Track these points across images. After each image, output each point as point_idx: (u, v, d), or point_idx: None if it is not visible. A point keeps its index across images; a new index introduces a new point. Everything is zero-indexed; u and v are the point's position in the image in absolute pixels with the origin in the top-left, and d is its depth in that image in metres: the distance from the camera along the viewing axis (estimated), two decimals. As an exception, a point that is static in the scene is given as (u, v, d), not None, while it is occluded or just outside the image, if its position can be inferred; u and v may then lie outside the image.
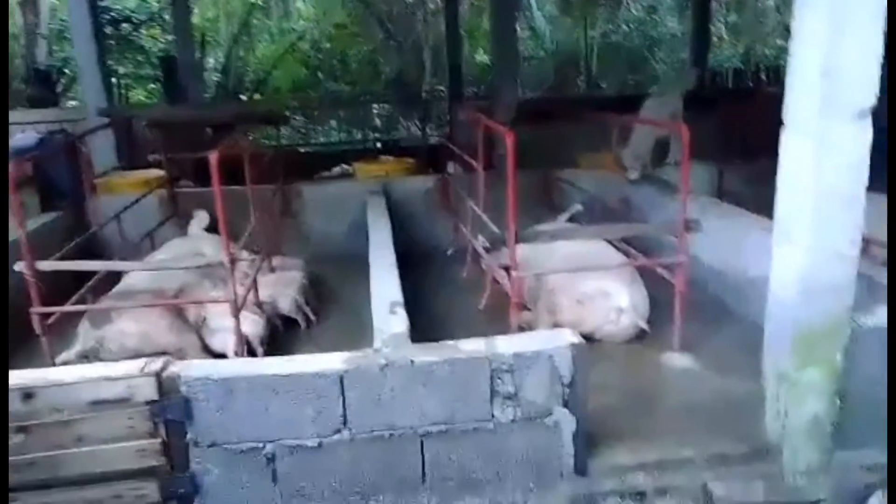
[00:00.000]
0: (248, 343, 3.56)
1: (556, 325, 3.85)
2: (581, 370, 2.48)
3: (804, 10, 2.27)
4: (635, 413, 3.10)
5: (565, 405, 2.50)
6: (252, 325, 3.65)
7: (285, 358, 2.58)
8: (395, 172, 6.10)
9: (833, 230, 2.37)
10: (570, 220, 5.07)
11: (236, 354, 3.39)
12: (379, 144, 11.08)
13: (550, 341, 2.47)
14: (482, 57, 13.92)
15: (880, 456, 2.53)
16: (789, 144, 2.43)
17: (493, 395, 2.46)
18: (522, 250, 4.54)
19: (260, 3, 15.02)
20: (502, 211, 5.31)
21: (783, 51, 14.76)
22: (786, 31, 14.75)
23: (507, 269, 4.78)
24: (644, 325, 3.69)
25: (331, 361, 2.43)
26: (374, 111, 13.91)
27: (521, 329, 4.01)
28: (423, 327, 3.94)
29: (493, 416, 2.48)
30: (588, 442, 2.59)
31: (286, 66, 14.87)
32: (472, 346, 2.48)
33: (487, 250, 3.84)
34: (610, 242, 4.21)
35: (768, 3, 13.55)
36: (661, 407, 3.18)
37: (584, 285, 3.76)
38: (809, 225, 2.38)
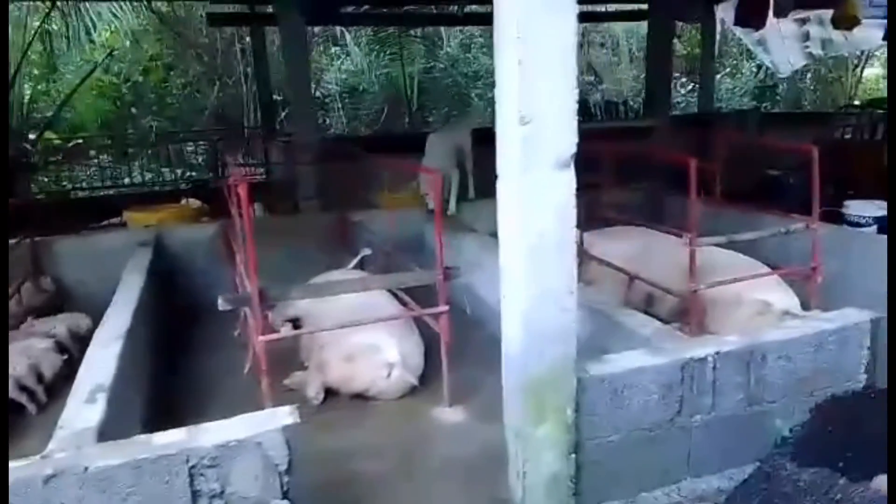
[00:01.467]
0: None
1: (326, 384, 3.60)
2: (299, 455, 2.22)
3: (501, 60, 2.21)
4: (394, 479, 2.90)
5: (285, 496, 2.22)
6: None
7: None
8: (175, 219, 5.57)
9: (547, 278, 2.31)
10: (360, 265, 4.86)
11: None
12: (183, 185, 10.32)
13: (260, 425, 2.18)
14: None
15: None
16: (501, 191, 2.35)
17: (196, 497, 2.12)
18: (303, 304, 4.28)
19: (50, 29, 13.63)
20: (290, 259, 5.14)
21: (593, 84, 15.99)
22: (592, 68, 16.00)
23: (293, 321, 4.53)
24: (413, 381, 3.52)
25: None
26: (190, 149, 13.10)
27: (292, 391, 3.74)
28: (173, 402, 3.57)
29: (196, 519, 2.14)
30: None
31: (88, 101, 13.63)
32: (166, 440, 2.12)
33: (230, 310, 3.43)
34: (392, 292, 4.05)
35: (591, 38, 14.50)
36: (421, 469, 3.00)
37: (351, 340, 3.53)
38: (524, 273, 2.31)
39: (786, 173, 6.74)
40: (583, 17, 11.83)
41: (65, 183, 10.95)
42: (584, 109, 12.02)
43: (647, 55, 7.86)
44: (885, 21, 7.53)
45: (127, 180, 11.01)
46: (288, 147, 7.22)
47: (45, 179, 10.60)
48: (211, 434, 2.14)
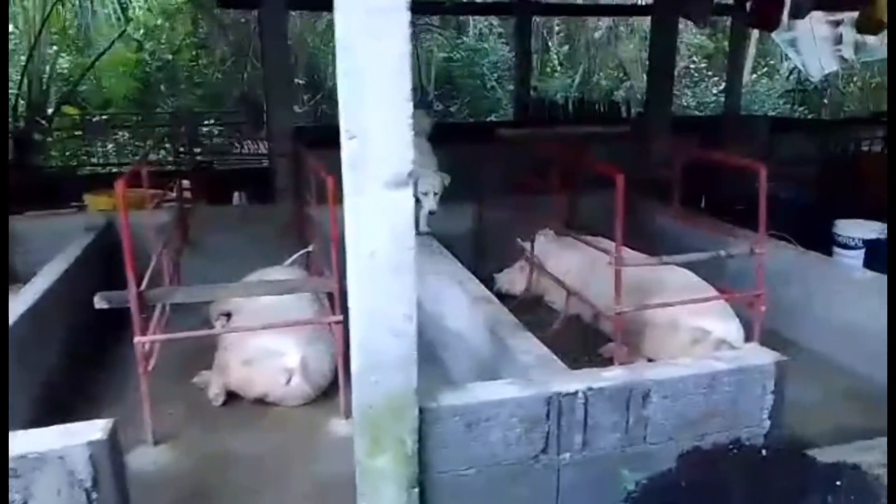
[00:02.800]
0: None
1: (226, 386, 3.54)
2: (113, 472, 2.14)
3: (339, 74, 2.05)
4: (259, 492, 2.83)
5: (94, 511, 2.15)
6: None
7: None
8: (131, 205, 5.52)
9: (381, 303, 2.16)
10: (304, 262, 4.77)
11: None
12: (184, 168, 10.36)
13: (64, 440, 2.10)
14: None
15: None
16: (345, 211, 2.20)
17: (-3, 506, 2.07)
18: (236, 300, 4.22)
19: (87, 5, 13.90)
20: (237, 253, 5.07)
21: (620, 80, 15.55)
22: (620, 64, 15.54)
23: (227, 315, 4.47)
24: (309, 390, 3.42)
25: None
26: (206, 130, 13.22)
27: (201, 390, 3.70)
28: (73, 395, 3.53)
29: (-2, 530, 2.08)
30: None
31: (113, 79, 13.89)
32: (-32, 448, 2.07)
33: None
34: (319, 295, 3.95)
35: (596, 36, 14.10)
36: (291, 483, 2.90)
37: (251, 343, 3.45)
38: (356, 298, 2.17)
39: (780, 188, 6.36)
40: (582, 11, 11.45)
41: (73, 160, 11.17)
42: (613, 105, 11.70)
43: (650, 54, 7.52)
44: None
45: (135, 158, 11.19)
46: (268, 136, 7.18)
47: (55, 154, 10.82)
48: (13, 444, 2.08)
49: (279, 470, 2.98)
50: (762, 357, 2.68)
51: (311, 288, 3.35)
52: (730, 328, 3.69)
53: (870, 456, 2.80)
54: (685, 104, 15.21)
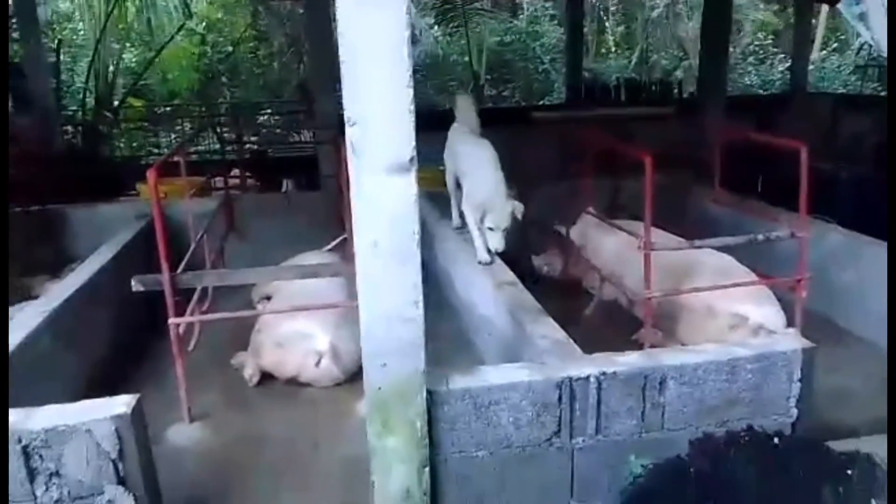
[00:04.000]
0: None
1: (260, 367, 3.66)
2: (137, 444, 2.27)
3: (341, 61, 2.07)
4: (285, 471, 2.93)
5: (122, 482, 2.28)
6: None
7: None
8: (178, 193, 5.71)
9: (386, 289, 2.20)
10: (340, 247, 4.87)
11: None
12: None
13: (90, 413, 2.24)
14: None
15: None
16: (351, 199, 2.24)
17: (34, 474, 2.23)
18: (276, 283, 4.34)
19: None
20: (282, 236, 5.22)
21: (679, 60, 15.04)
22: (679, 44, 15.02)
23: (268, 298, 4.61)
24: (338, 372, 3.50)
25: None
26: (262, 119, 13.57)
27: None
28: (120, 374, 3.71)
29: (35, 496, 2.24)
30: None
31: (177, 72, 14.41)
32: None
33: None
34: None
35: (654, 15, 13.67)
36: (320, 464, 2.99)
37: (283, 326, 3.56)
38: (369, 283, 2.21)
39: (839, 167, 6.06)
40: None
41: (140, 151, 11.63)
42: (666, 86, 11.32)
43: (702, 30, 7.25)
44: None
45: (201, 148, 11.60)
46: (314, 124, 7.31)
47: (121, 145, 11.31)
48: (42, 417, 2.22)
49: (305, 450, 3.08)
50: (788, 343, 2.59)
51: (332, 271, 3.42)
52: (767, 313, 3.56)
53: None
54: (749, 83, 14.60)
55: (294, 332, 3.52)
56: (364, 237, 2.15)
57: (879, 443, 2.64)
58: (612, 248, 4.42)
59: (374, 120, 2.05)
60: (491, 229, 3.79)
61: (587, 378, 2.47)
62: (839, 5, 9.99)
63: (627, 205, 5.14)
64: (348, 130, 2.06)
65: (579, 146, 4.96)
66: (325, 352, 3.48)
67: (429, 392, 2.33)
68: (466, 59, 12.21)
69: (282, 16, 16.11)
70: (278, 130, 13.59)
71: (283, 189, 7.49)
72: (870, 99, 11.31)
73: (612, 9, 14.24)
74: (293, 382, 3.62)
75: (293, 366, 3.53)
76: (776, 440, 2.11)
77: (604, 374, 2.48)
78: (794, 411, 2.61)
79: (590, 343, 2.89)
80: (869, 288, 3.92)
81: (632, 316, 4.27)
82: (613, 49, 14.09)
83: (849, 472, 1.79)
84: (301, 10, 15.59)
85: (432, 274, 4.83)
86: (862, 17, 10.50)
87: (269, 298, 4.46)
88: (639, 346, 3.83)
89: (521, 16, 12.94)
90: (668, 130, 6.73)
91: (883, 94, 12.64)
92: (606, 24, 14.60)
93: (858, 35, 13.71)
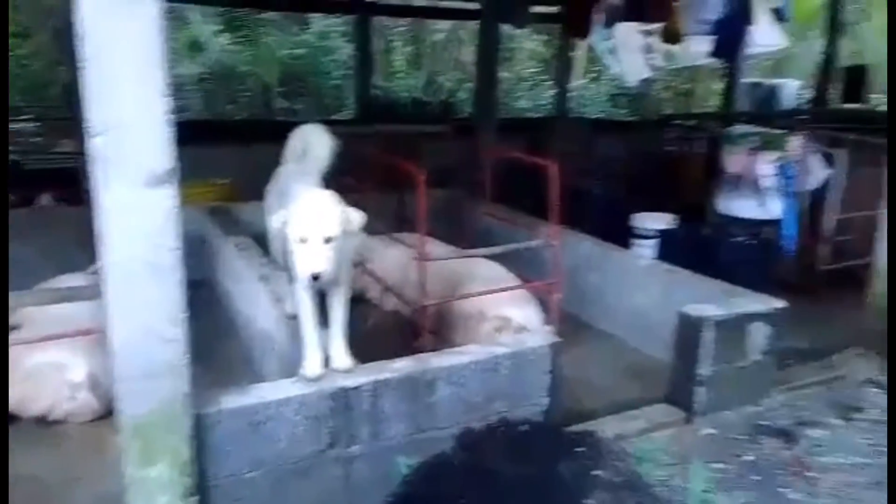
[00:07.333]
0: None
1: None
2: None
3: (82, 61, 1.94)
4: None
5: None
6: None
7: None
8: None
9: (142, 308, 2.09)
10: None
11: None
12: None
13: None
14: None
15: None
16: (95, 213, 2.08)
17: None
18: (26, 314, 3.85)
19: None
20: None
21: (461, 82, 16.01)
22: (461, 65, 16.00)
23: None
24: (97, 405, 3.21)
25: None
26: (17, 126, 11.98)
27: None
28: None
29: None
30: None
31: None
32: None
33: None
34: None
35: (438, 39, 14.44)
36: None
37: (33, 357, 3.19)
38: (117, 301, 2.08)
39: (593, 184, 6.88)
40: (411, 13, 11.71)
41: None
42: (449, 105, 12.02)
43: (476, 57, 7.83)
44: (711, 37, 7.75)
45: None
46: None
47: None
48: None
49: (59, 490, 2.78)
50: (538, 340, 2.89)
51: (90, 294, 3.13)
52: (528, 314, 3.93)
53: (634, 424, 3.12)
54: (524, 106, 15.96)
55: (45, 363, 3.16)
56: (115, 253, 2.02)
57: (611, 422, 3.06)
58: (395, 261, 4.58)
59: (125, 128, 1.94)
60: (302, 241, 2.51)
61: (358, 388, 2.55)
62: (591, 40, 11.38)
63: (411, 218, 5.37)
64: (91, 141, 1.93)
65: (365, 161, 5.09)
66: (81, 383, 3.17)
67: (197, 415, 2.25)
68: (258, 70, 11.89)
69: (46, 8, 14.41)
70: (38, 139, 12.10)
71: (37, 204, 6.66)
72: (619, 124, 12.97)
73: (402, 30, 14.74)
74: (43, 421, 3.24)
75: (45, 401, 3.17)
76: (524, 427, 2.34)
77: (377, 381, 2.57)
78: (546, 401, 2.92)
79: (373, 353, 2.97)
80: (609, 288, 4.50)
81: (414, 324, 4.47)
82: (403, 69, 14.59)
83: (578, 449, 2.05)
84: (69, 3, 14.15)
85: (217, 294, 4.65)
86: (611, 50, 12.06)
87: (16, 329, 3.96)
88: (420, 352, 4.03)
89: (310, 30, 12.88)
90: (449, 148, 7.14)
91: (630, 119, 14.61)
92: (394, 44, 15.09)
93: (609, 66, 15.69)
